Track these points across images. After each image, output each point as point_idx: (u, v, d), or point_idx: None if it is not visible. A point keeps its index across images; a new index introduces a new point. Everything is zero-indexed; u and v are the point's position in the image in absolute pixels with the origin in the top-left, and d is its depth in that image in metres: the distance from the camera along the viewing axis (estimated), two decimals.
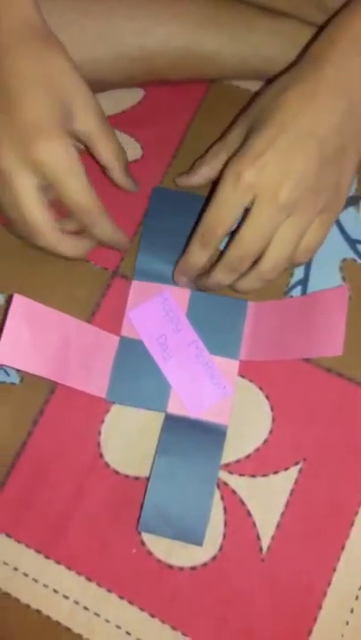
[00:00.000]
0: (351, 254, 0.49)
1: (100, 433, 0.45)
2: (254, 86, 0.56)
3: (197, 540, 0.42)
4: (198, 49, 0.52)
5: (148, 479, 0.44)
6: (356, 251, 0.49)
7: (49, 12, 0.49)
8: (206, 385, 0.45)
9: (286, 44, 0.53)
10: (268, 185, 0.38)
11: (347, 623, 0.41)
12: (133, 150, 0.53)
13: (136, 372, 0.46)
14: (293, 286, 0.48)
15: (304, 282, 0.49)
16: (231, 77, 0.55)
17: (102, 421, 0.46)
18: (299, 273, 0.49)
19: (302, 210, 0.40)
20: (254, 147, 0.39)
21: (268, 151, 0.39)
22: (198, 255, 0.43)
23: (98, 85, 0.54)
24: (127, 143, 0.53)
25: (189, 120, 0.55)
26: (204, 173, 0.48)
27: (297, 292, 0.48)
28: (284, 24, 0.53)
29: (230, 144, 0.46)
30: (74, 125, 0.43)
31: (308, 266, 0.49)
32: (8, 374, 0.47)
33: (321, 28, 0.47)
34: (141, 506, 0.43)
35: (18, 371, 0.47)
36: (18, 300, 0.42)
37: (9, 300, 0.42)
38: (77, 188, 0.41)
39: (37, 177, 0.41)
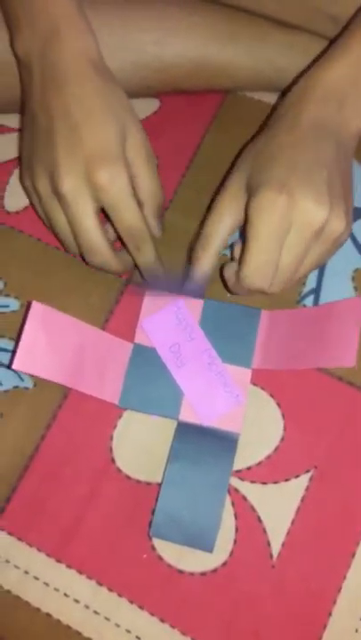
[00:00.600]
0: None
1: (112, 438, 0.46)
2: (267, 97, 0.56)
3: (208, 547, 0.43)
4: (213, 60, 0.53)
5: (159, 485, 0.44)
6: None
7: None
8: (219, 393, 0.46)
9: (299, 56, 0.54)
10: (303, 206, 0.40)
11: (356, 631, 0.41)
12: None
13: (149, 379, 0.46)
14: (306, 295, 0.49)
15: (316, 291, 0.49)
16: (245, 88, 0.56)
17: (115, 427, 0.46)
18: (311, 282, 0.49)
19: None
20: (274, 180, 0.41)
21: (290, 180, 0.40)
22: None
23: None
24: None
25: (204, 130, 0.55)
26: (216, 250, 0.46)
27: (309, 301, 0.49)
28: (297, 37, 0.54)
29: (231, 209, 0.45)
30: (126, 154, 0.44)
31: (320, 275, 0.49)
32: (22, 379, 0.47)
33: (333, 41, 0.48)
34: (153, 511, 0.43)
35: (32, 375, 0.47)
36: (36, 307, 0.42)
37: (27, 307, 0.43)
38: (131, 213, 0.43)
39: (97, 201, 0.42)
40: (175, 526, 0.43)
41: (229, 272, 0.45)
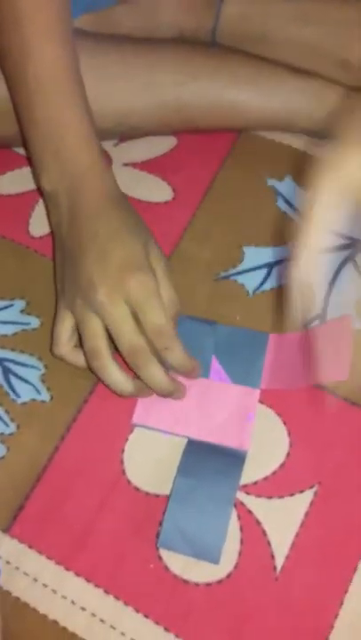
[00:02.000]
0: None
1: (123, 451, 0.47)
2: (279, 137, 0.60)
3: (214, 559, 0.44)
4: (230, 102, 0.57)
5: (168, 497, 0.46)
6: None
7: (97, 62, 0.55)
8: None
9: (312, 100, 0.58)
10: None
11: None
12: (165, 193, 0.57)
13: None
14: (312, 320, 0.51)
15: (322, 316, 0.51)
16: (259, 128, 0.60)
17: (126, 440, 0.48)
18: (317, 307, 0.51)
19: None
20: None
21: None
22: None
23: (136, 131, 0.59)
24: (159, 186, 0.57)
25: (218, 167, 0.59)
26: None
27: (315, 324, 0.51)
28: (310, 82, 0.58)
29: None
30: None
31: (326, 301, 0.52)
32: (39, 392, 0.49)
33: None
34: (160, 523, 0.45)
35: (49, 389, 0.49)
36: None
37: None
38: (160, 312, 0.45)
39: (129, 305, 0.45)
40: (182, 538, 0.44)
41: None
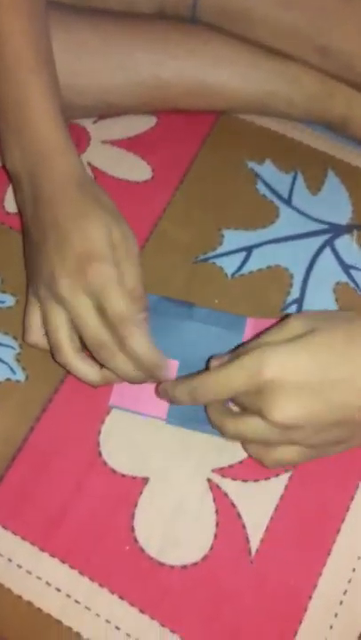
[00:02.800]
0: (345, 278, 0.52)
1: (99, 432, 0.47)
2: (259, 120, 0.60)
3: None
4: (208, 82, 0.57)
5: (144, 479, 0.46)
6: (349, 275, 0.53)
7: (74, 38, 0.53)
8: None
9: (291, 84, 0.58)
10: (270, 398, 0.38)
11: (331, 627, 0.42)
12: (144, 172, 0.56)
13: None
14: (289, 304, 0.51)
15: (300, 301, 0.51)
16: (238, 110, 0.59)
17: (103, 422, 0.47)
18: (295, 292, 0.52)
19: (286, 434, 0.40)
20: (285, 355, 0.39)
21: (295, 373, 0.38)
22: (181, 399, 0.43)
23: (114, 109, 0.58)
24: (138, 165, 0.57)
25: (198, 148, 0.58)
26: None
27: (292, 309, 0.51)
28: (289, 66, 0.57)
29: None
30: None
31: (303, 286, 0.52)
32: (14, 372, 0.48)
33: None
34: (136, 504, 0.45)
35: (24, 369, 0.48)
36: None
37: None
38: (119, 300, 0.43)
39: (91, 295, 0.43)
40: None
41: None
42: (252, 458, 0.44)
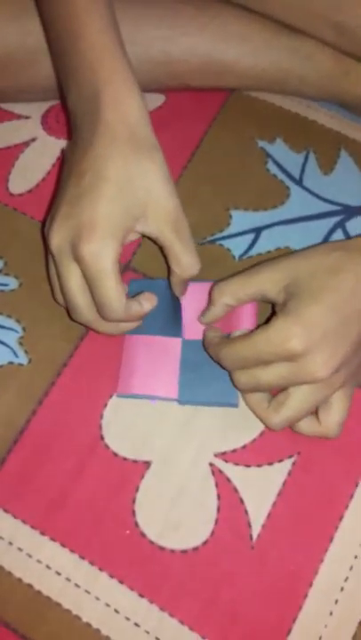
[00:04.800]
0: None
1: (102, 416, 0.47)
2: (271, 98, 0.58)
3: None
4: (219, 58, 0.55)
5: (145, 463, 0.45)
6: None
7: None
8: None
9: (304, 61, 0.56)
10: (310, 361, 0.39)
11: (331, 614, 0.42)
12: None
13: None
14: None
15: None
16: (250, 88, 0.58)
17: (105, 405, 0.47)
18: None
19: (330, 383, 0.41)
20: (306, 318, 0.40)
21: (317, 330, 0.39)
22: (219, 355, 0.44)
23: None
24: None
25: (207, 126, 0.57)
26: (226, 301, 0.46)
27: None
28: (302, 42, 0.56)
29: (265, 285, 0.44)
30: (142, 227, 0.44)
31: None
32: (17, 355, 0.48)
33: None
34: (137, 488, 0.44)
35: (26, 352, 0.48)
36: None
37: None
38: (107, 290, 0.42)
39: (80, 268, 0.42)
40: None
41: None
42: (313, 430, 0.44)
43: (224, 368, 0.44)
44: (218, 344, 0.44)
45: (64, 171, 0.45)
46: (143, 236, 0.45)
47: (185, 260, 0.45)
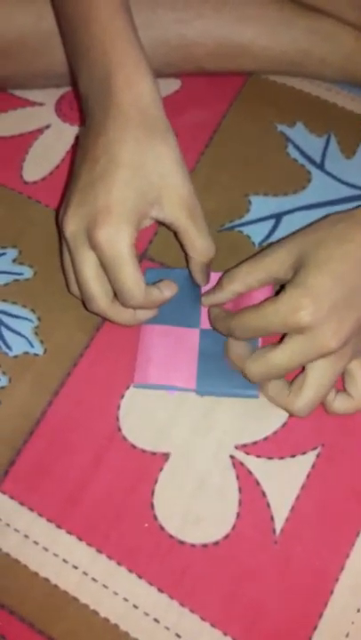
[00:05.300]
0: None
1: (119, 407, 0.46)
2: (290, 81, 0.57)
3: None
4: (236, 40, 0.54)
5: (164, 455, 0.44)
6: None
7: None
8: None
9: (324, 41, 0.55)
10: (320, 333, 0.39)
11: (358, 610, 0.40)
12: None
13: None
14: None
15: None
16: (268, 71, 0.57)
17: (122, 396, 0.46)
18: None
19: (342, 354, 0.40)
20: (314, 290, 0.39)
21: (326, 300, 0.39)
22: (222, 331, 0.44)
23: None
24: None
25: (225, 111, 0.55)
26: (235, 289, 0.44)
27: None
28: (321, 23, 0.54)
29: (272, 267, 0.43)
30: (156, 213, 0.43)
31: None
32: (32, 345, 0.47)
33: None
34: (156, 480, 0.43)
35: (42, 342, 0.47)
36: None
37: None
38: (125, 275, 0.41)
39: (95, 254, 0.41)
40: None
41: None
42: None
43: (236, 337, 0.43)
44: (226, 317, 0.44)
45: (77, 157, 0.44)
46: (157, 222, 0.44)
47: (200, 243, 0.44)
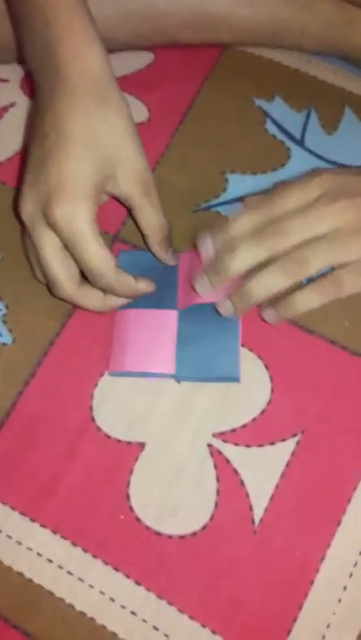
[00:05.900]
0: None
1: (92, 397, 0.44)
2: (269, 53, 0.54)
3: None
4: (211, 10, 0.52)
5: (139, 444, 0.43)
6: None
7: None
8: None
9: (303, 11, 0.53)
10: (325, 205, 0.40)
11: (339, 601, 0.39)
12: (139, 113, 0.52)
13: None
14: None
15: None
16: (245, 42, 0.54)
17: (95, 385, 0.45)
18: None
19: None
20: (325, 174, 0.42)
21: (338, 182, 0.41)
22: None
23: (106, 45, 0.53)
24: (134, 105, 0.52)
25: (199, 85, 0.54)
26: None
27: None
28: None
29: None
30: (111, 188, 0.41)
31: None
32: (0, 334, 0.46)
33: None
34: (131, 471, 0.42)
35: (10, 330, 0.46)
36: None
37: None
38: (89, 253, 0.39)
39: (56, 234, 0.40)
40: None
41: None
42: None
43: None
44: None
45: (29, 135, 0.42)
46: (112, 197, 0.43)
47: (155, 221, 0.43)
